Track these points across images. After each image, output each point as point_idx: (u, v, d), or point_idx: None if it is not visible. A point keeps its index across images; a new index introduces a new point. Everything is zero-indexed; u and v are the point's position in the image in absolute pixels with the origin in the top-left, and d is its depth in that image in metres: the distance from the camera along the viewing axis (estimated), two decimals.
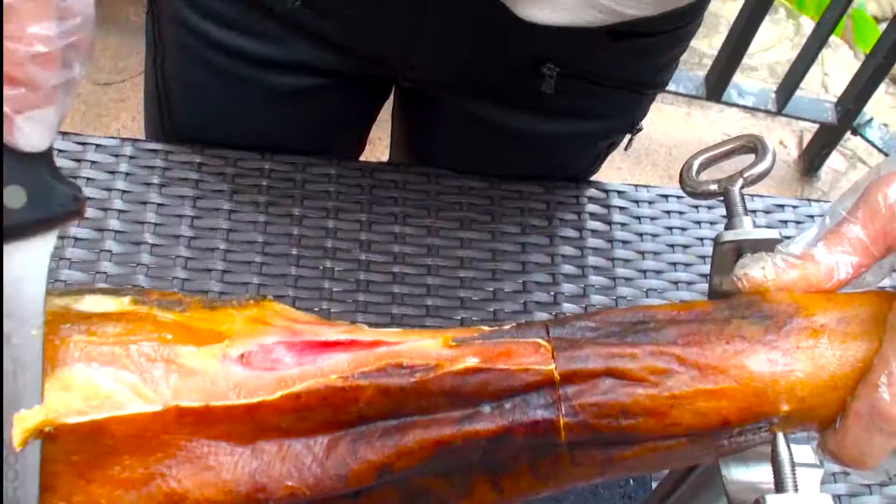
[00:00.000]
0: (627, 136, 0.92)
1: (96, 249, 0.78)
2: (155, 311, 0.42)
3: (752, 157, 0.49)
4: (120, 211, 0.81)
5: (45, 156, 0.37)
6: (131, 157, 0.84)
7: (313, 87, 0.82)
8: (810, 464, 0.44)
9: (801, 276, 0.41)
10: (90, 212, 0.80)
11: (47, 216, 0.37)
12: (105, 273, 0.77)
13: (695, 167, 0.49)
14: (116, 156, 0.83)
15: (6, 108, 0.34)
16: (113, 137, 0.85)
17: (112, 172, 0.82)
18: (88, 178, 0.81)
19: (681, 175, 0.49)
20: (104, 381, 0.39)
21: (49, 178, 0.37)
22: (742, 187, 0.47)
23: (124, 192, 0.82)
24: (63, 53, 0.35)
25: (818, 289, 0.41)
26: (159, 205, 0.82)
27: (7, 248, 0.36)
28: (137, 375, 0.39)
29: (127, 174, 0.83)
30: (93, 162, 0.83)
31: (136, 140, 0.85)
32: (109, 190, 0.82)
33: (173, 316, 0.42)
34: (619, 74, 0.81)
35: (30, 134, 0.35)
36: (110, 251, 0.78)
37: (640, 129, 0.91)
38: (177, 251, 0.80)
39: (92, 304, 0.42)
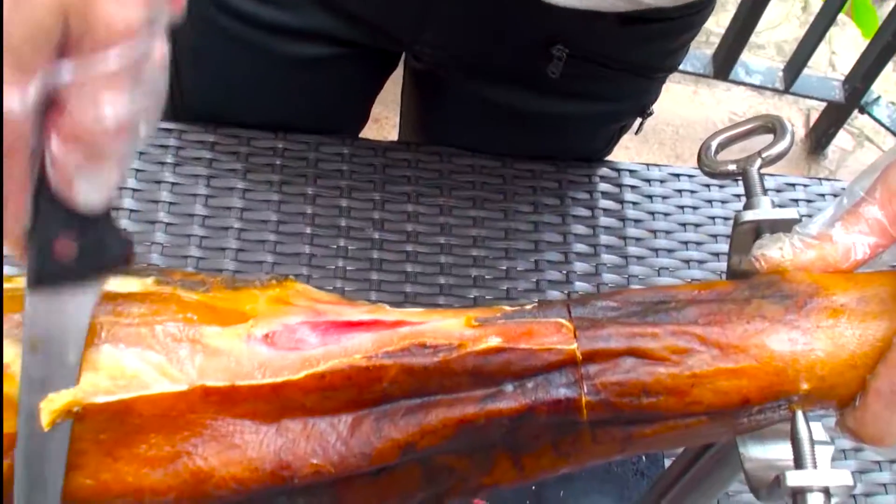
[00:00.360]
0: (638, 120, 0.92)
1: None
2: (178, 291, 0.43)
3: (767, 136, 0.49)
4: (134, 190, 0.81)
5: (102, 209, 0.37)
6: None
7: (326, 56, 0.82)
8: (821, 441, 0.44)
9: (818, 257, 0.41)
10: None
11: (95, 268, 0.38)
12: None
13: (713, 147, 0.49)
14: None
15: (68, 167, 0.33)
16: None
17: None
18: None
19: (699, 155, 0.49)
20: (131, 361, 0.39)
21: (102, 233, 0.37)
22: (761, 167, 0.47)
23: (138, 171, 0.82)
24: (131, 122, 0.34)
25: (836, 269, 0.41)
26: (173, 184, 0.82)
27: (57, 293, 0.37)
28: (163, 355, 0.40)
29: (141, 153, 0.83)
30: None
31: None
32: None
33: (197, 296, 0.43)
34: (628, 58, 0.81)
35: (88, 194, 0.35)
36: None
37: (651, 113, 0.91)
38: (191, 230, 0.81)
39: (116, 284, 0.42)
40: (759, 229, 0.45)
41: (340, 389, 0.40)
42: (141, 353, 0.39)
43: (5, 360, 0.38)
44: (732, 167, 0.48)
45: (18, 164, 0.33)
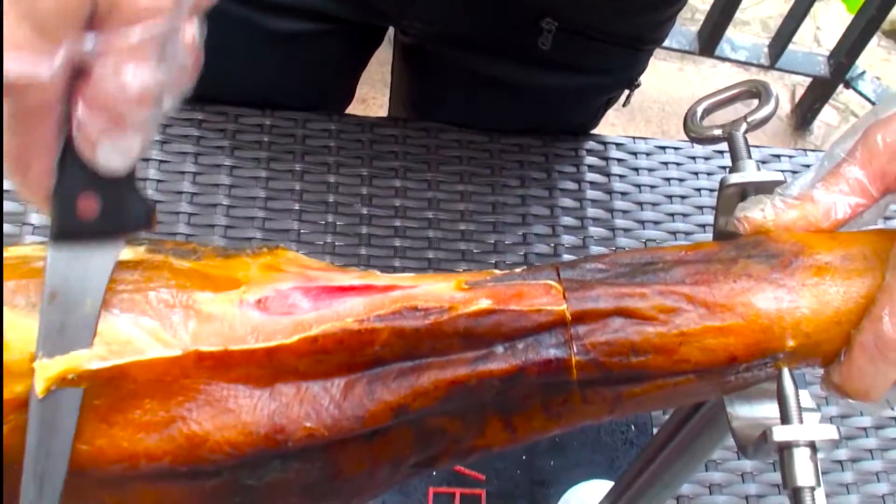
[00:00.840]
0: (626, 92, 0.93)
1: None
2: (170, 259, 0.43)
3: (753, 103, 0.49)
4: None
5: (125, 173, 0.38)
6: None
7: (313, 32, 0.82)
8: (808, 408, 0.45)
9: (799, 216, 0.42)
10: None
11: (116, 227, 0.39)
12: None
13: (699, 113, 0.50)
14: None
15: (91, 131, 0.35)
16: None
17: None
18: None
19: (685, 121, 0.50)
20: (124, 327, 0.40)
21: (125, 192, 0.38)
22: (746, 132, 0.48)
23: None
24: (154, 92, 0.35)
25: (817, 228, 0.42)
26: (161, 161, 0.82)
27: (78, 249, 0.38)
28: (157, 321, 0.40)
29: None
30: None
31: None
32: None
33: (189, 264, 0.43)
34: (617, 30, 0.81)
35: (110, 158, 0.36)
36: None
37: (639, 85, 0.91)
38: (179, 207, 0.81)
39: None
40: (745, 192, 0.45)
41: (333, 353, 0.40)
42: (135, 319, 0.40)
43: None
44: (718, 132, 0.48)
45: (47, 127, 0.35)
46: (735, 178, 0.45)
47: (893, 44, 2.56)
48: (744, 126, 0.48)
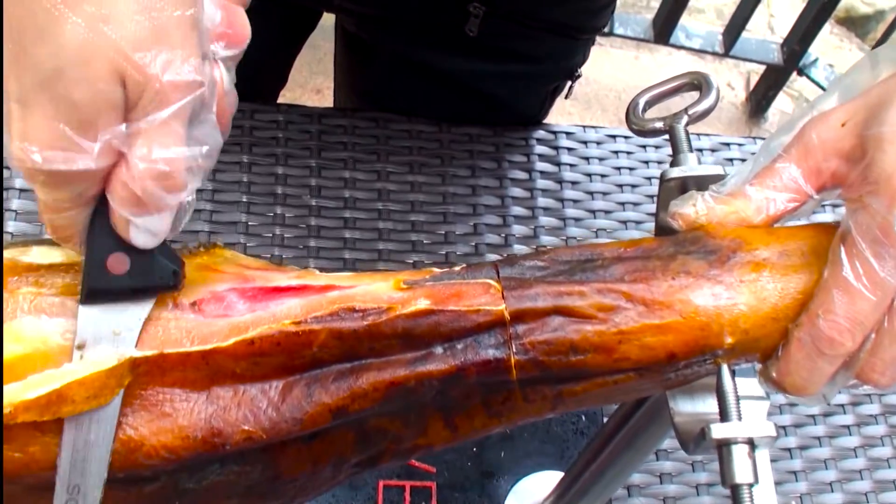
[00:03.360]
0: (568, 83, 0.92)
1: None
2: None
3: (698, 94, 0.49)
4: None
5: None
6: None
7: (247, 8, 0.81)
8: (757, 396, 0.45)
9: (730, 211, 0.42)
10: None
11: (144, 286, 0.39)
12: None
13: (641, 105, 0.50)
14: None
15: (125, 213, 0.37)
16: None
17: None
18: None
19: (627, 113, 0.50)
20: (54, 333, 0.39)
21: (154, 253, 0.39)
22: (687, 124, 0.47)
23: None
24: (184, 177, 0.37)
25: (749, 224, 0.42)
26: None
27: (110, 307, 0.39)
28: None
29: None
30: None
31: None
32: None
33: None
34: (547, 17, 0.81)
35: (140, 237, 0.38)
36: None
37: (579, 76, 0.91)
38: None
39: (39, 255, 0.41)
40: (686, 185, 0.45)
41: (270, 355, 0.40)
42: (64, 324, 0.39)
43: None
44: (659, 124, 0.48)
45: (83, 210, 0.37)
46: (675, 173, 0.45)
47: (846, 31, 2.59)
48: (685, 118, 0.48)
